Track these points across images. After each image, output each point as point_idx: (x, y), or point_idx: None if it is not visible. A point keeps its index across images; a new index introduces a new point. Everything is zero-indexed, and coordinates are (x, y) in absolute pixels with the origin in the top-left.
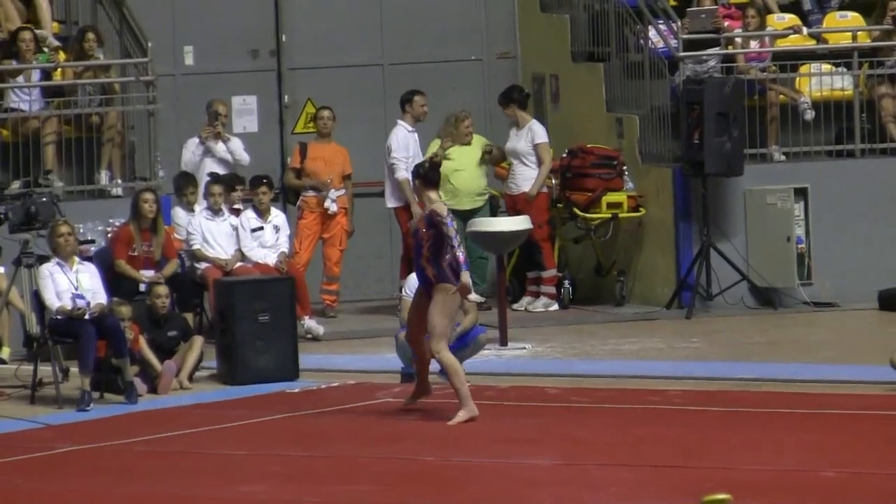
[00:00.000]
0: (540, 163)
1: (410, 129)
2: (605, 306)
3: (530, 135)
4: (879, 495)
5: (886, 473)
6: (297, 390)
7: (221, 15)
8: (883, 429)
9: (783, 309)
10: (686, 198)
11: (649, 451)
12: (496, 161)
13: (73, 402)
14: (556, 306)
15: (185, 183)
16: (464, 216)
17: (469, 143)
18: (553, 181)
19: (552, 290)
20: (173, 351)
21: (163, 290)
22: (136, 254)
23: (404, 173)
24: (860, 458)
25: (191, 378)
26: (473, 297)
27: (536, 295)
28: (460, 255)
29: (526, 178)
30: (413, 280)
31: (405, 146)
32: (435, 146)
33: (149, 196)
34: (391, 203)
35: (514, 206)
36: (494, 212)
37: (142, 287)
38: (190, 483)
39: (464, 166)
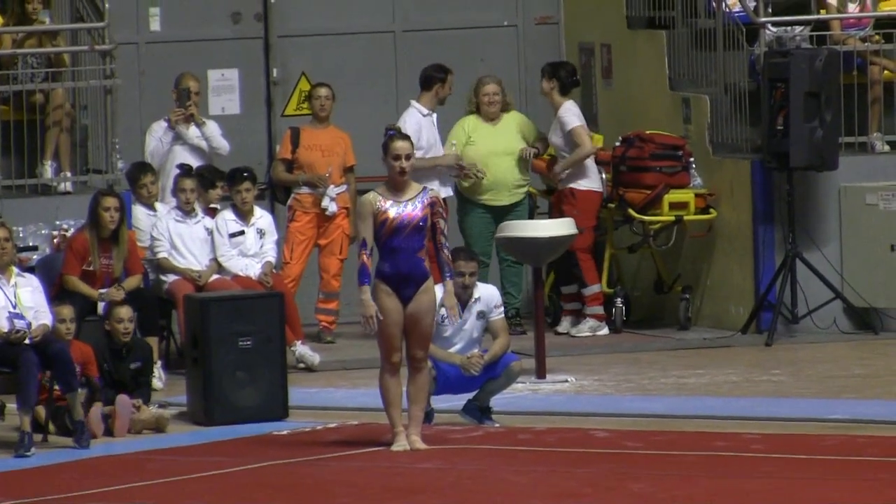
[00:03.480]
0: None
1: (426, 112)
2: (667, 330)
3: (558, 125)
4: None
5: None
6: (286, 432)
7: None
8: None
9: (886, 334)
10: (767, 197)
11: None
12: (535, 155)
13: (9, 447)
14: (605, 330)
15: (138, 173)
16: (501, 214)
17: (495, 119)
18: (603, 176)
19: (600, 310)
20: (138, 386)
21: (125, 312)
22: (91, 268)
23: (423, 162)
24: None
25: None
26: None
27: (579, 315)
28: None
29: (573, 172)
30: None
31: (416, 132)
32: (459, 131)
33: (111, 202)
34: None
35: (559, 205)
36: (532, 213)
37: (100, 309)
38: None
39: (495, 148)
